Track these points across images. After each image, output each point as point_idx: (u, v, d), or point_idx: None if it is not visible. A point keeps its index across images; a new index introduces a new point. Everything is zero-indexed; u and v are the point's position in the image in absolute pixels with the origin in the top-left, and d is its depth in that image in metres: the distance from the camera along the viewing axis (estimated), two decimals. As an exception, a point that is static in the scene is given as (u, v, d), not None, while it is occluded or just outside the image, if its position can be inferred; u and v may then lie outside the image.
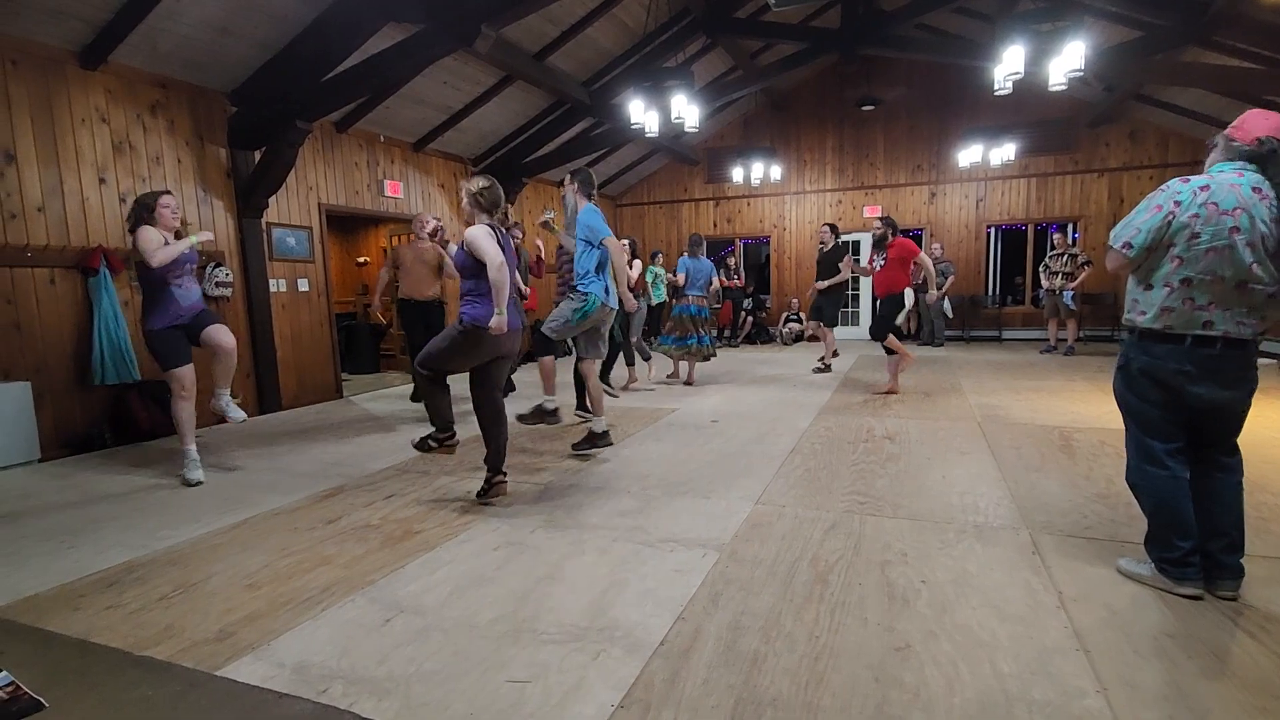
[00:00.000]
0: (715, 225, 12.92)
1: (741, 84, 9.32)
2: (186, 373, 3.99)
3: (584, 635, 2.16)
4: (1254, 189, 2.14)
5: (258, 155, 6.19)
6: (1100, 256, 10.19)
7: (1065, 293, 9.14)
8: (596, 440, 4.25)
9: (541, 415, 4.31)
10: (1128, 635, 2.09)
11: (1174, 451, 2.32)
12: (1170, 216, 2.19)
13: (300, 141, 5.97)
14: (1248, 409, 2.29)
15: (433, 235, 4.94)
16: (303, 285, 6.87)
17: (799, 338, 11.82)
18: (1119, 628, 2.14)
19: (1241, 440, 2.34)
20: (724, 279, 11.37)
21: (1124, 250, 2.29)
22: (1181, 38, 6.73)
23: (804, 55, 8.50)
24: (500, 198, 3.39)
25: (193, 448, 4.07)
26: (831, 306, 7.89)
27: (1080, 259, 9.17)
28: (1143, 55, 7.05)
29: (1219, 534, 2.29)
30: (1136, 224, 2.27)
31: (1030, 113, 10.53)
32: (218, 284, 5.93)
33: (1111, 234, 2.36)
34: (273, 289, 6.51)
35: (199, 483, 3.97)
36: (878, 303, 6.53)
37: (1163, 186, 2.28)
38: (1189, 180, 2.22)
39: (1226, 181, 2.16)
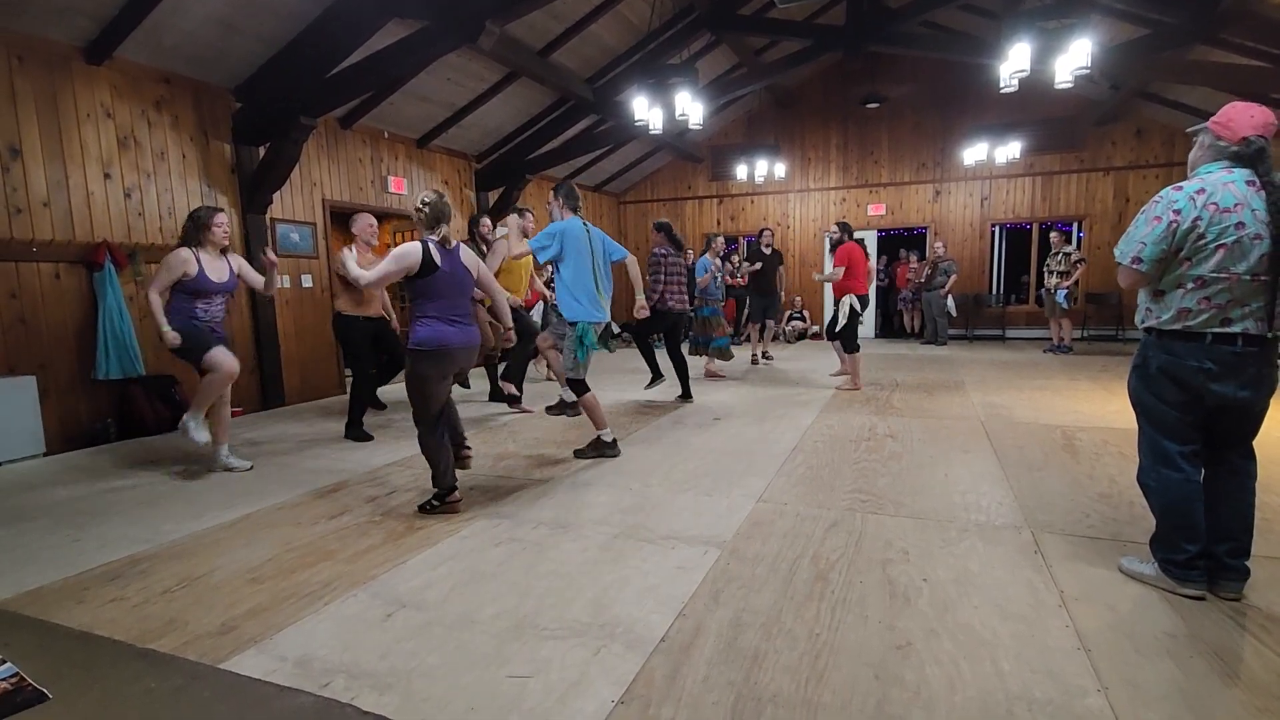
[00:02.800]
0: (719, 223, 12.90)
1: (746, 81, 9.30)
2: (218, 352, 3.92)
3: (585, 631, 2.17)
4: (1248, 182, 2.13)
5: (262, 151, 6.20)
6: (1104, 255, 10.18)
7: (1059, 291, 9.11)
8: (566, 408, 4.52)
9: (564, 407, 4.49)
10: (1130, 635, 2.08)
11: (1189, 454, 2.29)
12: (1174, 225, 2.16)
13: (304, 137, 5.97)
14: (1266, 410, 2.26)
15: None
16: (306, 281, 6.89)
17: (802, 336, 11.81)
18: (1121, 627, 2.13)
19: (1255, 441, 2.32)
20: (728, 277, 11.36)
21: (1135, 265, 2.25)
22: (1189, 35, 6.70)
23: (809, 52, 8.48)
24: (444, 214, 3.28)
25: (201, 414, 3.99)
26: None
27: (1074, 257, 9.13)
28: (1150, 53, 7.01)
29: (1227, 537, 2.27)
30: (1140, 238, 2.23)
31: (1036, 111, 10.49)
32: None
33: (1117, 252, 2.32)
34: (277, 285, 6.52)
35: (206, 441, 4.01)
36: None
37: (1156, 198, 2.25)
38: (1182, 188, 2.19)
39: (1220, 181, 2.14)
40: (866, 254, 7.06)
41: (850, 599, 2.35)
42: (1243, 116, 2.17)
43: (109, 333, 5.02)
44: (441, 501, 3.34)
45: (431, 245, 3.22)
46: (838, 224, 6.94)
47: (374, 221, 5.17)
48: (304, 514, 3.38)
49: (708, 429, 5.03)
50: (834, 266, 6.63)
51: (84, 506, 3.58)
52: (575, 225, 4.23)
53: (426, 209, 3.26)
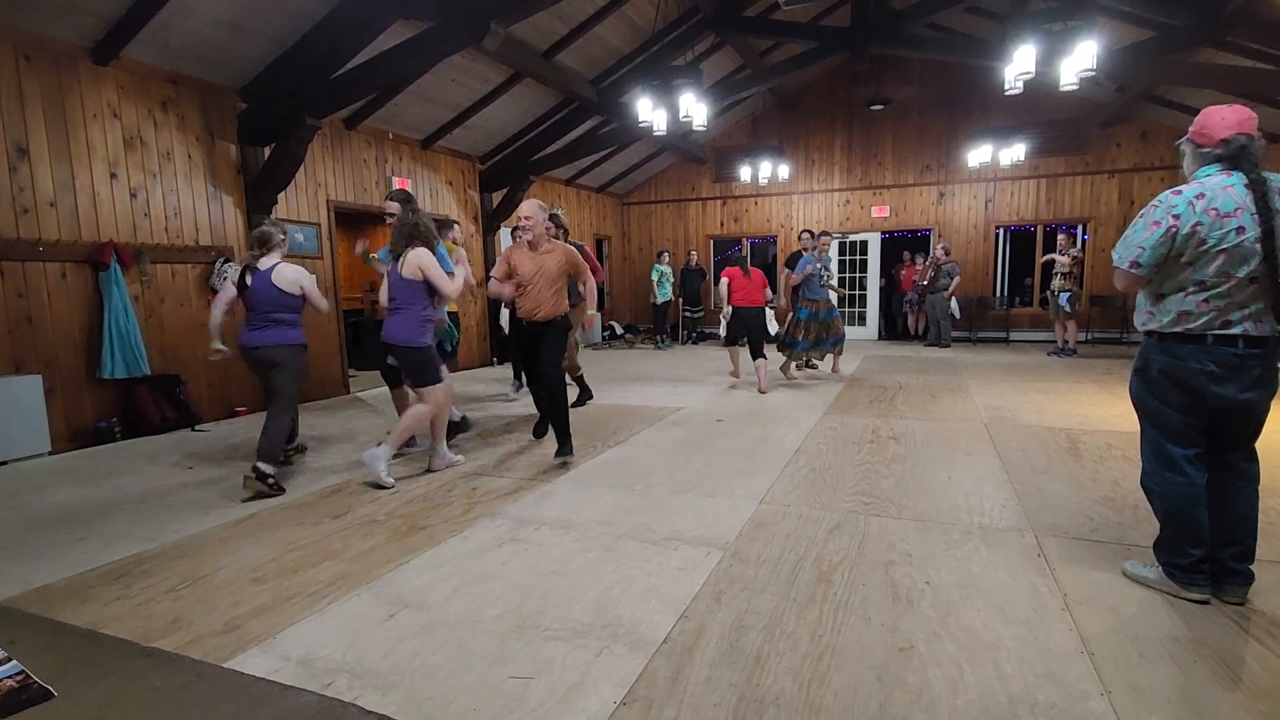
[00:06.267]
0: (722, 224, 12.91)
1: (750, 83, 9.30)
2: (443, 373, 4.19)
3: (587, 632, 2.17)
4: (1247, 185, 2.12)
5: (267, 151, 6.22)
6: (1109, 258, 10.15)
7: (1062, 294, 9.08)
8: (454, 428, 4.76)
9: (450, 429, 4.64)
10: (1133, 639, 2.08)
11: (1193, 457, 2.28)
12: (1172, 230, 2.16)
13: (309, 138, 5.99)
14: (1268, 411, 2.25)
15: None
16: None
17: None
18: (1124, 631, 2.13)
19: (1258, 445, 2.31)
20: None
21: (1133, 269, 2.26)
22: (1195, 38, 6.67)
23: (813, 54, 8.47)
24: (263, 238, 3.92)
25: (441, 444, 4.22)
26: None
27: (1072, 253, 9.07)
28: (1156, 55, 6.99)
29: (1231, 541, 2.27)
30: (1138, 242, 2.24)
31: (1041, 113, 10.47)
32: (226, 280, 5.97)
33: (1114, 255, 2.33)
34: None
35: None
36: None
37: (1154, 202, 2.25)
38: (1181, 192, 2.19)
39: (1219, 185, 2.14)
40: (747, 272, 6.77)
41: (853, 601, 2.35)
42: (1215, 120, 2.18)
43: (115, 332, 5.04)
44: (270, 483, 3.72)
45: (245, 268, 3.87)
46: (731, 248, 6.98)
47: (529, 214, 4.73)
48: (307, 514, 3.39)
49: (710, 430, 5.03)
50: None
51: (89, 505, 3.60)
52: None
53: (255, 235, 3.99)
